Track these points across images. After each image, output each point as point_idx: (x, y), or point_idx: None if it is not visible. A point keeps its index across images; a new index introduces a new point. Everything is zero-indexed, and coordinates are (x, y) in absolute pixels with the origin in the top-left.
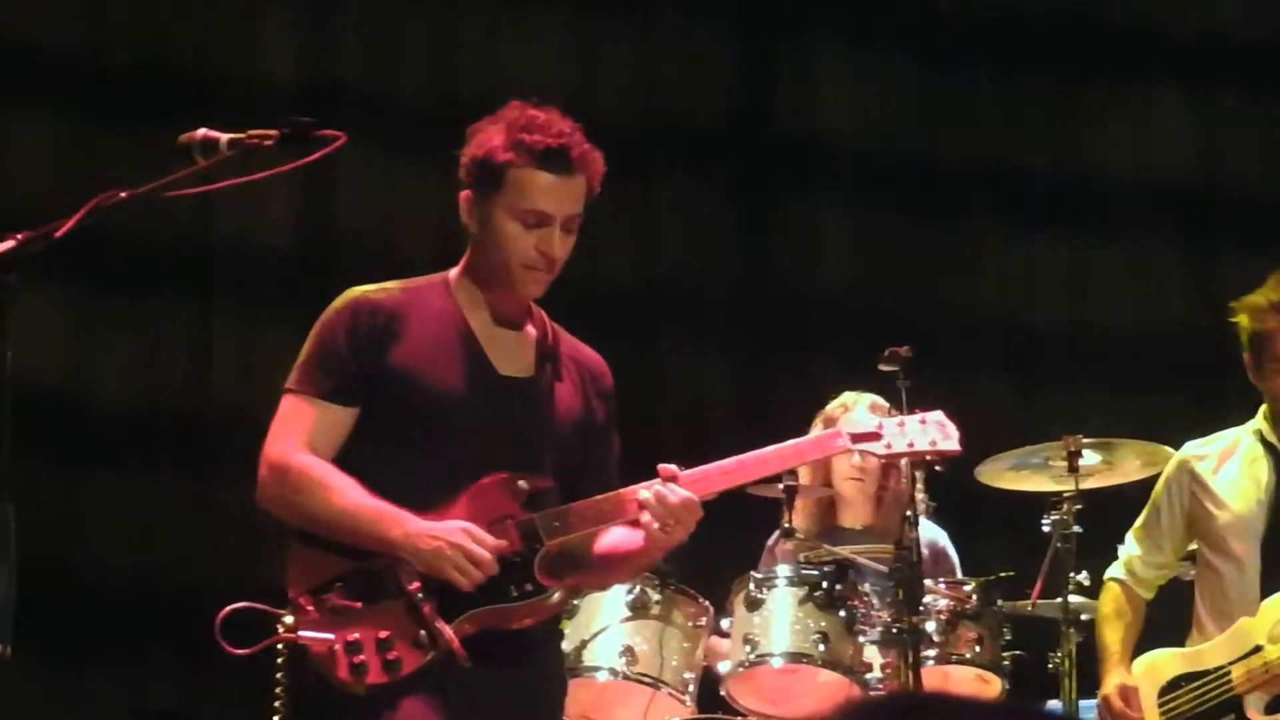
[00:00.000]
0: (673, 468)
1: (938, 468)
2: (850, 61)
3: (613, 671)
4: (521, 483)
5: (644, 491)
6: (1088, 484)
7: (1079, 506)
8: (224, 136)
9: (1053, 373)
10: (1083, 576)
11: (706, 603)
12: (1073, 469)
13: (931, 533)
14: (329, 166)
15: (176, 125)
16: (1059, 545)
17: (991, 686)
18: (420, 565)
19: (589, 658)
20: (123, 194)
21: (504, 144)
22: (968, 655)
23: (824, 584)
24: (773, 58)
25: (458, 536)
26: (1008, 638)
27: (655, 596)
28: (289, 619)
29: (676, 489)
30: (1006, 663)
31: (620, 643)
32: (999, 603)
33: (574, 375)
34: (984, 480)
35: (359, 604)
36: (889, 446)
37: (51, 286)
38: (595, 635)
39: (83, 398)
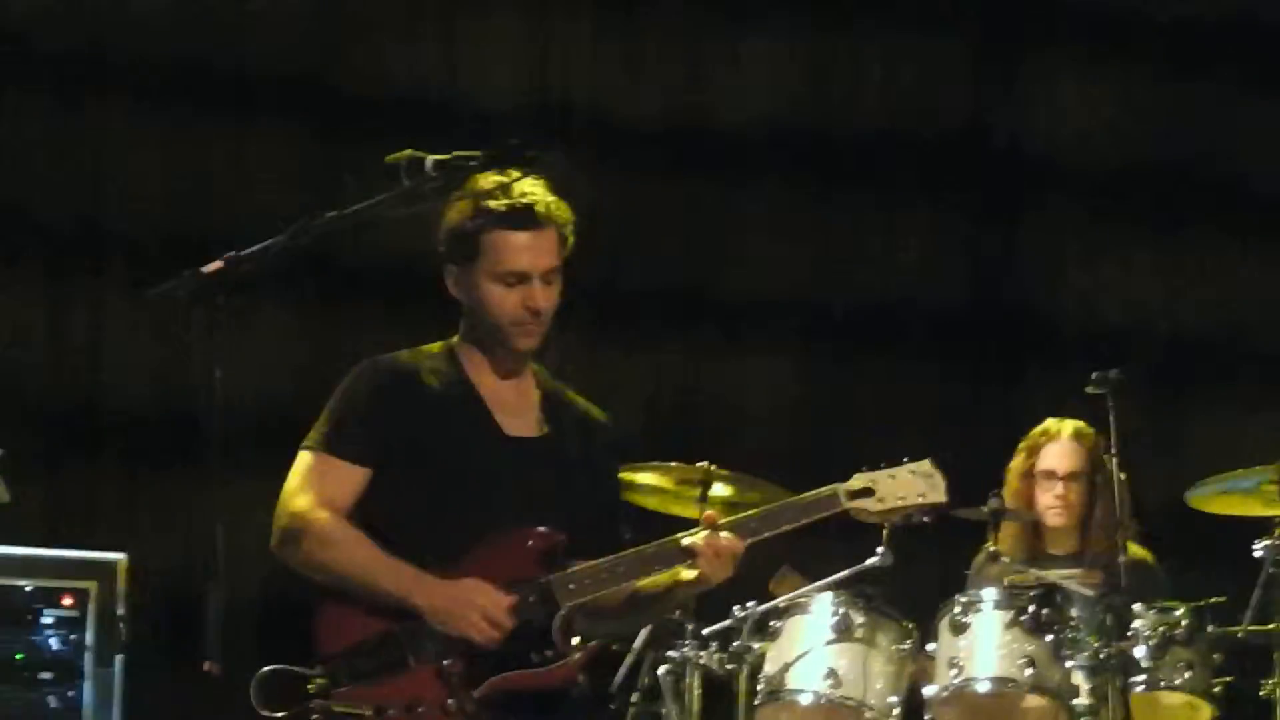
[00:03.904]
0: (714, 514)
1: (925, 519)
2: (1089, 72)
3: (816, 694)
4: (531, 542)
5: (690, 539)
6: None
7: None
8: (430, 157)
9: (1269, 395)
10: None
11: (911, 625)
12: None
13: (1140, 557)
14: None
15: (393, 147)
16: (1271, 570)
17: (1201, 713)
18: (439, 624)
19: (792, 680)
20: (329, 214)
21: (471, 213)
22: (1177, 681)
23: (1031, 608)
24: (1008, 71)
25: (474, 594)
26: (1219, 664)
27: (859, 619)
28: (321, 685)
29: (725, 535)
30: (1217, 689)
31: (824, 665)
32: (1209, 628)
33: (579, 432)
34: (1195, 505)
35: (388, 669)
36: (881, 501)
37: (268, 307)
38: (799, 658)
39: (297, 417)
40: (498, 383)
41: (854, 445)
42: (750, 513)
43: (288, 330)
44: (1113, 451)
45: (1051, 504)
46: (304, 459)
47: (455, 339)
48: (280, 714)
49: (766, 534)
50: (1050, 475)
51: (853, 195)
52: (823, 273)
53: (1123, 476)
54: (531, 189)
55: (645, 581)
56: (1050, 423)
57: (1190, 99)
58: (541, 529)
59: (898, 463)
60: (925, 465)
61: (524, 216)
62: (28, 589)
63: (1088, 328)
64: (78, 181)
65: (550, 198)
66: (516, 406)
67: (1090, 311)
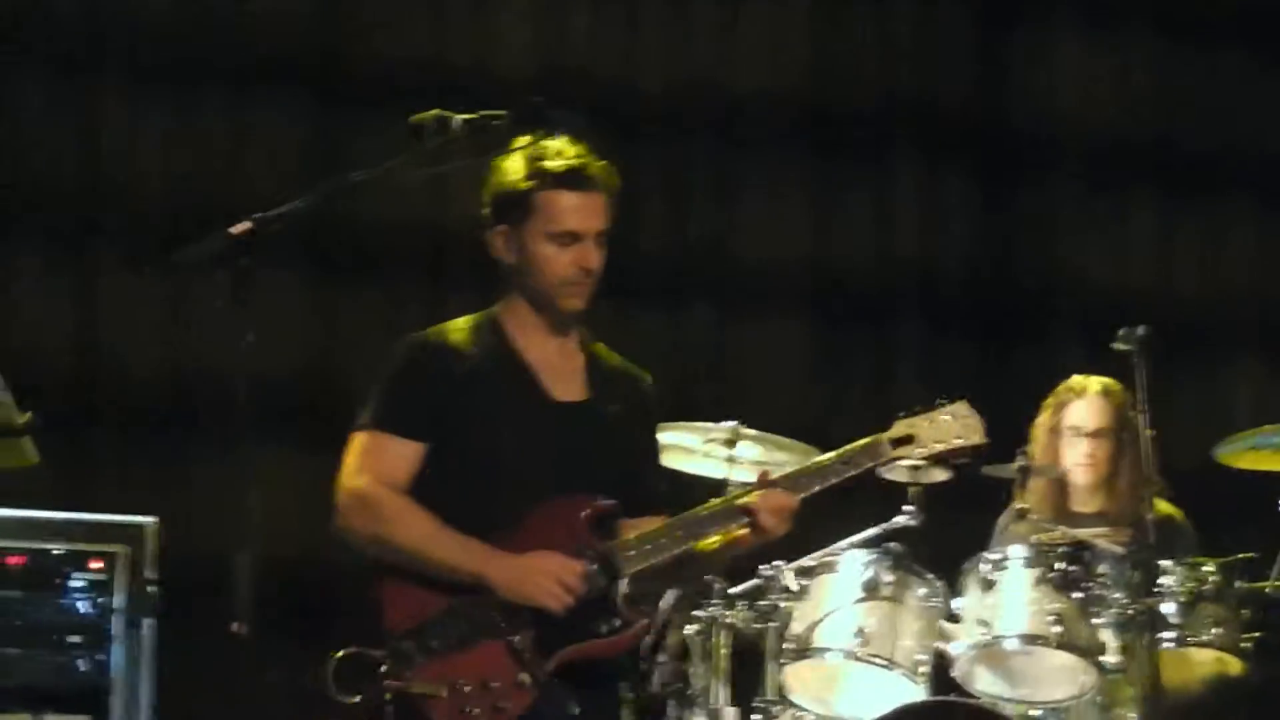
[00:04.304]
0: (769, 471)
1: (965, 461)
2: (1089, 41)
3: (844, 652)
4: (584, 511)
5: (746, 499)
6: None
7: None
8: (456, 117)
9: None
10: None
11: (940, 583)
12: None
13: (1169, 514)
14: None
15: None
16: None
17: (1230, 669)
18: (508, 594)
19: (820, 638)
20: (355, 175)
21: (524, 174)
22: (1206, 637)
23: (1059, 565)
24: (1010, 39)
25: (546, 562)
26: (1248, 620)
27: (888, 577)
28: (393, 665)
29: (779, 494)
30: (1246, 645)
31: (853, 623)
32: (1238, 584)
33: (624, 395)
34: (1224, 461)
35: (457, 646)
36: (923, 446)
37: (291, 270)
38: (827, 616)
39: (324, 382)
40: (544, 347)
41: (853, 417)
42: (802, 467)
43: (300, 301)
44: (1140, 408)
45: (1079, 461)
46: (358, 440)
47: (495, 308)
48: (355, 699)
49: (817, 487)
50: (1077, 432)
51: (854, 161)
52: (823, 240)
53: (1150, 433)
54: (579, 151)
55: (697, 542)
56: (1077, 379)
57: (1192, 68)
58: (594, 498)
59: (932, 406)
60: (961, 407)
61: (579, 178)
62: (57, 552)
63: (1090, 295)
64: (79, 170)
65: (601, 162)
66: (562, 370)
67: (1094, 278)
